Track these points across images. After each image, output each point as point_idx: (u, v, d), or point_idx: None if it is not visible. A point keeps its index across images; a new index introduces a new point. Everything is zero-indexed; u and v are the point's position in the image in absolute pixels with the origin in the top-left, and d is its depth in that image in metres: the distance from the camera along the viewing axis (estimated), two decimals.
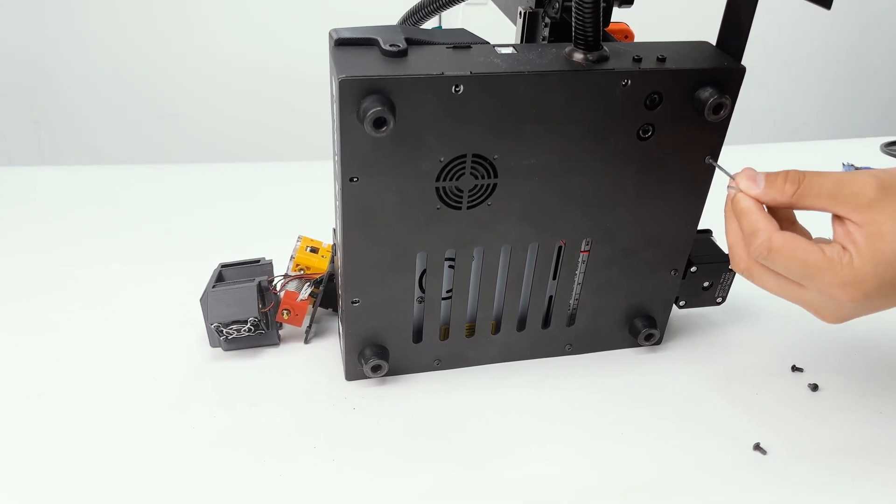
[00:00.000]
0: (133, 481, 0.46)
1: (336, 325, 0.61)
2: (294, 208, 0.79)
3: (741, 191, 0.43)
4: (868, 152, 0.97)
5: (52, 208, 0.78)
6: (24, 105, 1.80)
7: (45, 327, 0.60)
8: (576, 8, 0.43)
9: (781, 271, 0.41)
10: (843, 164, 0.95)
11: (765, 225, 0.41)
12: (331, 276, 0.58)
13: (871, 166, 0.93)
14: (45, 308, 0.62)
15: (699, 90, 0.46)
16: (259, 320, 0.55)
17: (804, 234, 0.44)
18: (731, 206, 0.43)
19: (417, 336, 0.54)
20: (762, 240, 0.41)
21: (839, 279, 0.39)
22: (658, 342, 0.59)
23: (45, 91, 1.78)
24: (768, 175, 0.42)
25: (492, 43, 0.47)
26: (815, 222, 0.46)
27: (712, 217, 0.54)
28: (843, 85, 2.21)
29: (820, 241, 0.43)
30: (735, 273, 0.52)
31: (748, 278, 0.44)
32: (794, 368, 0.57)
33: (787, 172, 0.41)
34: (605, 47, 0.45)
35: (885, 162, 0.94)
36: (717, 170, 0.50)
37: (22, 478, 0.46)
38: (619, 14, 0.54)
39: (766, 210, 0.43)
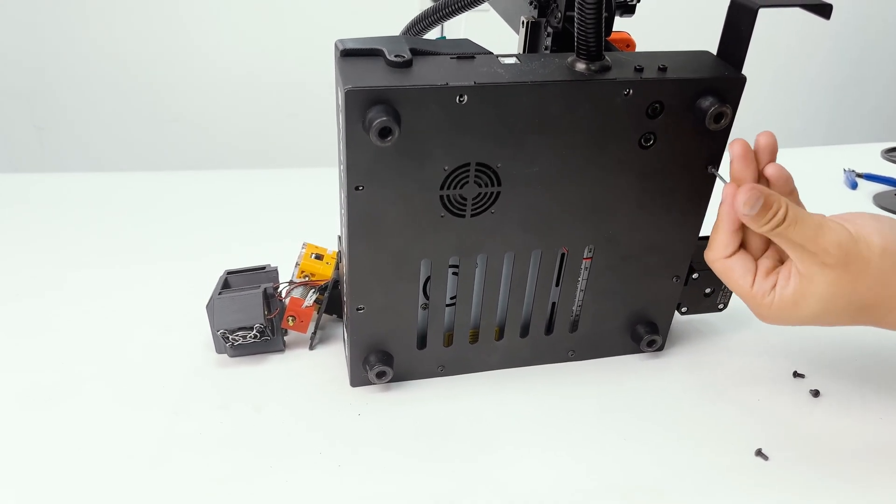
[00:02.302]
0: (137, 485, 0.46)
1: (341, 331, 0.61)
2: (299, 215, 0.79)
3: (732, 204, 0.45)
4: (869, 158, 0.98)
5: (56, 214, 0.79)
6: (26, 111, 1.80)
7: (49, 331, 0.60)
8: (578, 18, 0.44)
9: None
10: (845, 171, 0.96)
11: (717, 246, 0.48)
12: (335, 283, 0.58)
13: (872, 172, 0.94)
14: (48, 312, 0.63)
15: (700, 99, 0.46)
16: (265, 327, 0.55)
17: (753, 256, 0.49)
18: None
19: (421, 342, 0.55)
20: (710, 259, 0.49)
21: (756, 310, 0.48)
22: (660, 348, 0.59)
23: (47, 97, 1.79)
24: (765, 202, 0.43)
25: (495, 53, 0.47)
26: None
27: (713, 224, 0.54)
28: (843, 91, 2.21)
29: (771, 258, 0.48)
30: None
31: None
32: (796, 375, 0.58)
33: (784, 207, 0.44)
34: (606, 57, 0.46)
35: (886, 168, 0.94)
36: (717, 178, 0.50)
37: (25, 480, 0.47)
38: (620, 23, 0.54)
39: (733, 227, 0.47)
